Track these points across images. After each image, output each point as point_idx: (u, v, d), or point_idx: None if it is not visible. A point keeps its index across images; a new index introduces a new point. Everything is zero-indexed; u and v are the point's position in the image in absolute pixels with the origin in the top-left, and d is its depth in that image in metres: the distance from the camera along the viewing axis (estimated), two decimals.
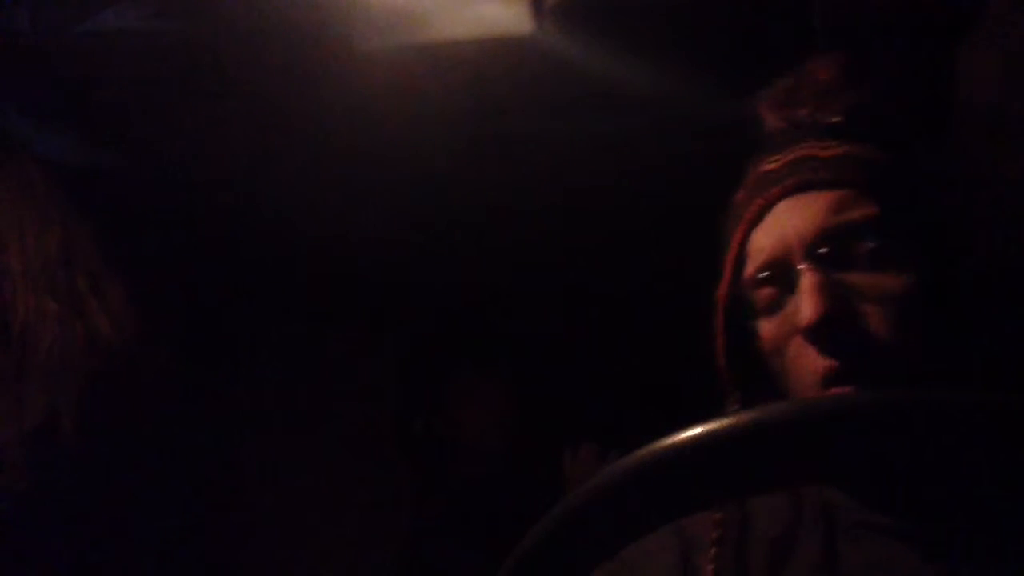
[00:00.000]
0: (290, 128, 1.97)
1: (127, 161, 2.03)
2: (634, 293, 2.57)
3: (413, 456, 2.69)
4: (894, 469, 0.74)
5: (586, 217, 2.32)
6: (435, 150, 2.02)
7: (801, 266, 1.02)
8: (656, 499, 0.62)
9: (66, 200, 1.25)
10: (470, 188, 2.19)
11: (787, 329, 1.04)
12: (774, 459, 0.60)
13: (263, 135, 1.99)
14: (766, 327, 1.07)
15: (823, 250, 1.02)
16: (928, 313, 1.00)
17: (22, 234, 1.18)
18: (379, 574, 2.59)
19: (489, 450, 2.62)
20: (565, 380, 2.73)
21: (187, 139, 1.99)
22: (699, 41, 1.78)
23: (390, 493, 2.66)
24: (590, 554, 0.64)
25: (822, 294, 0.99)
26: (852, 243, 1.02)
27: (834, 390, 0.99)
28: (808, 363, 1.01)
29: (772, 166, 1.11)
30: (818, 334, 0.99)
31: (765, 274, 1.06)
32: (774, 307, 1.06)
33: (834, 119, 1.11)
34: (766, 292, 1.06)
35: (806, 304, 0.99)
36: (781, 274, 1.04)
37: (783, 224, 1.05)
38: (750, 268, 1.08)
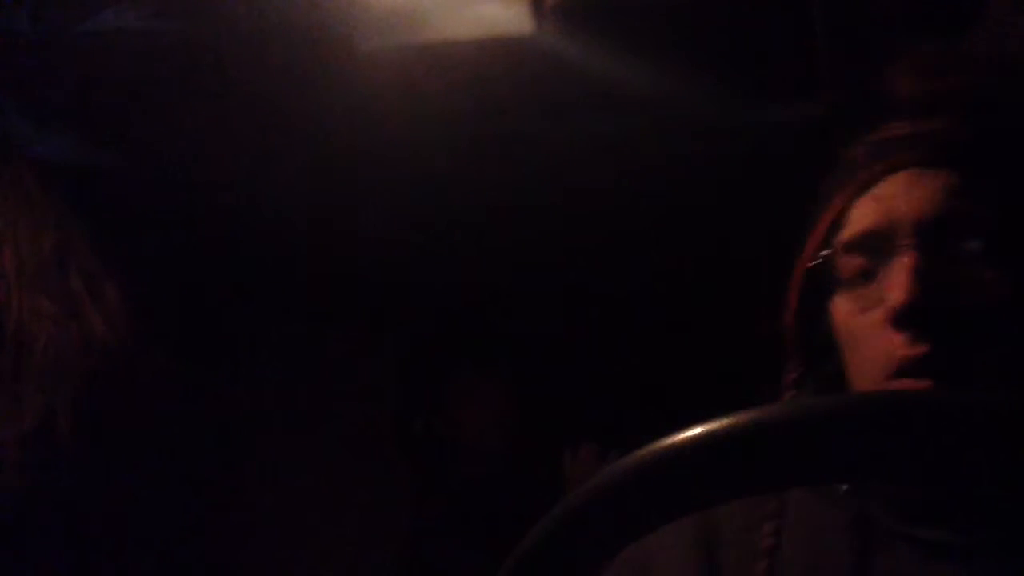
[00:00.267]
0: (290, 128, 1.97)
1: (127, 161, 2.03)
2: (634, 293, 2.57)
3: (413, 456, 2.69)
4: (916, 475, 0.71)
5: (586, 217, 2.32)
6: (435, 150, 2.02)
7: (904, 243, 0.95)
8: (657, 499, 0.62)
9: (62, 201, 1.25)
10: (470, 188, 2.19)
11: (865, 306, 0.97)
12: (775, 459, 0.60)
13: (263, 135, 1.99)
14: (843, 300, 0.99)
15: (932, 232, 0.94)
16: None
17: (16, 235, 1.18)
18: (379, 574, 2.59)
19: (489, 450, 2.62)
20: (565, 380, 2.73)
21: (187, 139, 1.98)
22: (699, 41, 1.78)
23: (390, 493, 2.66)
24: (590, 554, 0.64)
25: (921, 278, 0.92)
26: (963, 233, 0.94)
27: (904, 382, 0.93)
28: (883, 347, 0.94)
29: (900, 132, 1.02)
30: (906, 319, 0.92)
31: (862, 242, 0.97)
32: (858, 280, 0.98)
33: (984, 98, 1.02)
34: (856, 262, 0.98)
35: (901, 285, 0.92)
36: (879, 247, 0.96)
37: (897, 195, 0.97)
38: (847, 232, 0.99)
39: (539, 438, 2.62)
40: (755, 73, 1.85)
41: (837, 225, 1.01)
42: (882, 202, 0.98)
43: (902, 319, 0.92)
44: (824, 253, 1.01)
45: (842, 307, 0.99)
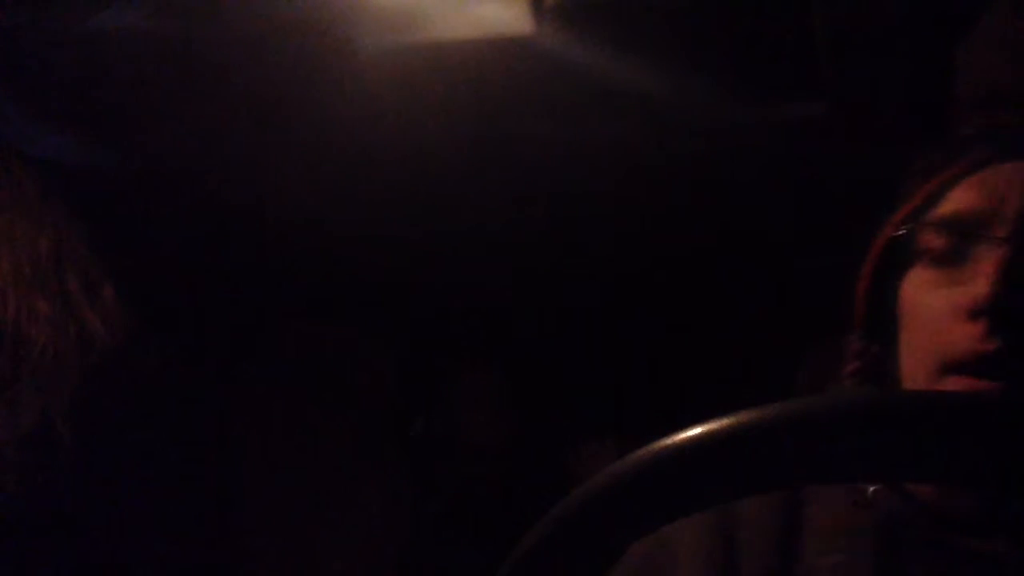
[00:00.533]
0: (290, 128, 1.97)
1: (127, 161, 2.03)
2: (634, 293, 2.57)
3: (413, 456, 2.69)
4: (935, 479, 0.69)
5: (586, 217, 2.32)
6: (435, 150, 2.02)
7: (1001, 233, 0.92)
8: (657, 499, 0.62)
9: (60, 201, 1.25)
10: (470, 188, 2.19)
11: (941, 285, 0.94)
12: (777, 460, 0.60)
13: (263, 135, 1.99)
14: (919, 275, 0.97)
15: None
16: None
17: (12, 236, 1.18)
18: (379, 574, 2.59)
19: (489, 450, 2.62)
20: (565, 380, 2.73)
21: (187, 139, 1.98)
22: (699, 41, 1.78)
23: (390, 493, 2.66)
24: (591, 554, 0.64)
25: (1012, 273, 0.89)
26: None
27: (959, 379, 0.90)
28: (949, 333, 0.91)
29: (1015, 120, 1.00)
30: (987, 313, 0.89)
31: (958, 221, 0.94)
32: (941, 258, 0.95)
33: None
34: (944, 240, 0.95)
35: (990, 276, 0.89)
36: (973, 230, 0.94)
37: (1004, 183, 0.94)
38: (944, 209, 0.96)
39: (539, 438, 2.62)
40: (755, 73, 1.85)
41: (932, 201, 0.98)
42: (987, 186, 0.95)
43: (983, 312, 0.89)
44: (911, 226, 0.98)
45: (916, 281, 0.97)
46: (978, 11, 1.36)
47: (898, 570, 0.92)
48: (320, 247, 2.39)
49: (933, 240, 0.96)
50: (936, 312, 0.93)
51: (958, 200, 0.96)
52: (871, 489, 0.96)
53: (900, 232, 0.99)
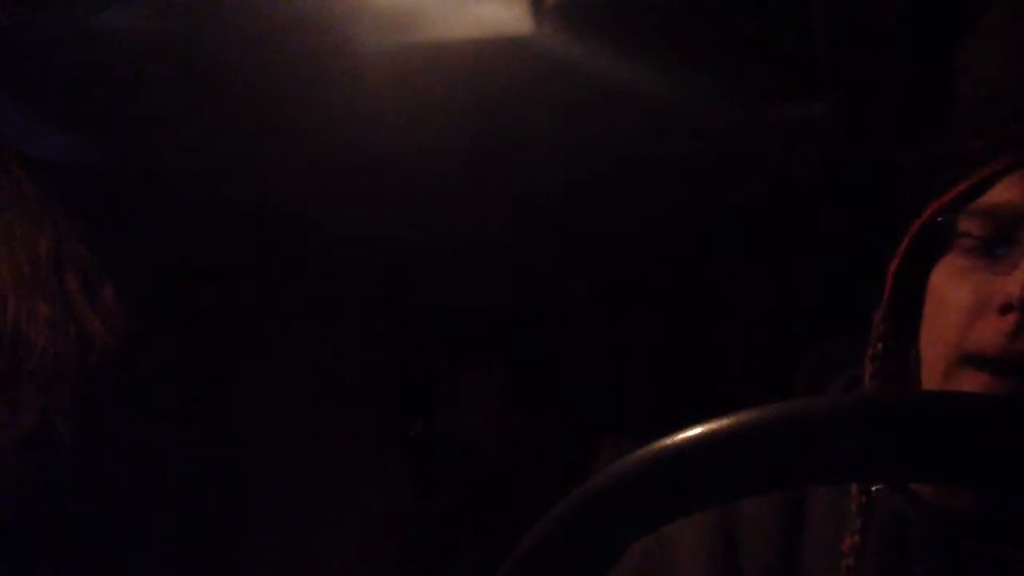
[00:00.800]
0: (290, 128, 1.96)
1: (126, 161, 2.03)
2: (634, 293, 2.57)
3: (413, 456, 2.68)
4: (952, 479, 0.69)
5: (586, 217, 2.32)
6: (435, 150, 2.02)
7: None
8: (657, 499, 0.62)
9: (59, 201, 1.25)
10: (470, 188, 2.18)
11: (973, 274, 0.94)
12: (778, 460, 0.60)
13: (263, 135, 1.99)
14: (951, 261, 0.97)
15: None
16: None
17: (11, 236, 1.18)
18: (379, 574, 2.59)
19: (490, 450, 2.62)
20: (565, 380, 2.73)
21: (187, 139, 1.98)
22: (699, 41, 1.78)
23: (390, 493, 2.65)
24: (591, 554, 0.64)
25: None
26: None
27: (977, 375, 0.90)
28: (975, 329, 0.91)
29: None
30: (1021, 311, 0.88)
31: (1002, 211, 0.94)
32: (978, 247, 0.95)
33: None
34: (983, 229, 0.95)
35: None
36: (1017, 223, 0.94)
37: None
38: (989, 198, 0.96)
39: (539, 438, 2.61)
40: (755, 73, 1.85)
41: (976, 190, 0.97)
42: None
43: (1015, 307, 0.88)
44: (952, 214, 0.97)
45: (948, 269, 0.96)
46: (978, 11, 1.36)
47: (901, 571, 0.93)
48: (320, 247, 2.39)
49: (973, 229, 0.95)
50: (964, 302, 0.93)
51: (1005, 191, 0.95)
52: (873, 489, 0.96)
53: (940, 219, 0.98)
